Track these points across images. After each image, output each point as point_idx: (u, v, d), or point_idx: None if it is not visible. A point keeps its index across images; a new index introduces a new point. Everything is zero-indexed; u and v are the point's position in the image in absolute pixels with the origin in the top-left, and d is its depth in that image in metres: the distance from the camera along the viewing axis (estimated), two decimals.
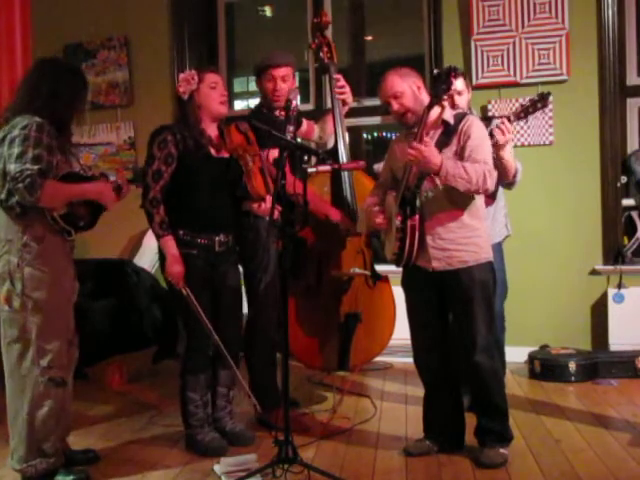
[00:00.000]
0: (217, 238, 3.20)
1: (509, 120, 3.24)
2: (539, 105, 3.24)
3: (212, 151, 3.21)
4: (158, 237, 3.12)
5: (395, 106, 3.03)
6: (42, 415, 2.83)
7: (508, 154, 3.33)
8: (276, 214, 2.94)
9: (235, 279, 3.35)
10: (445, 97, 2.93)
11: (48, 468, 2.86)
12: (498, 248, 3.60)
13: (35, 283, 2.79)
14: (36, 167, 2.69)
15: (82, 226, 2.93)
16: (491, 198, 3.51)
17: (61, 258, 2.88)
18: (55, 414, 2.86)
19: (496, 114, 3.55)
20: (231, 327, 3.30)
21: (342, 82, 3.88)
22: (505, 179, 3.42)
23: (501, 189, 3.57)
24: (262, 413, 3.34)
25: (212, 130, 3.23)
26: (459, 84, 3.47)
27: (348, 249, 3.88)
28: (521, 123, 3.32)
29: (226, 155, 3.24)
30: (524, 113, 3.26)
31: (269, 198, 3.15)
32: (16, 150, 2.71)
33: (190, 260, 3.13)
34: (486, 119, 3.58)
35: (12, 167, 2.69)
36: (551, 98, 4.57)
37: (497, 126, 3.24)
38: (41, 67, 2.97)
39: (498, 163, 3.31)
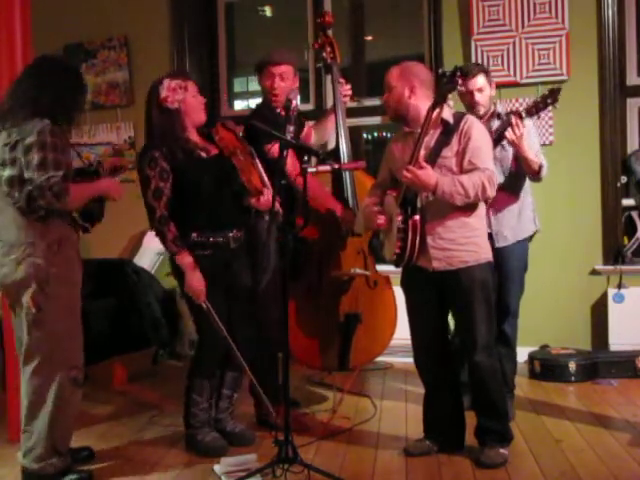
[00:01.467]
0: (231, 234, 3.17)
1: (520, 117, 3.24)
2: (549, 101, 3.22)
3: (202, 154, 3.19)
4: (173, 254, 3.08)
5: (384, 96, 3.11)
6: (64, 415, 2.85)
7: (526, 150, 3.32)
8: (277, 206, 2.93)
9: (248, 278, 3.31)
10: (450, 97, 2.94)
11: (63, 466, 2.89)
12: (523, 245, 3.58)
13: (60, 283, 2.80)
14: (60, 173, 2.70)
15: (96, 219, 2.96)
16: (515, 196, 3.51)
17: (76, 257, 2.90)
18: (74, 414, 2.90)
19: (502, 110, 3.53)
20: (245, 328, 3.27)
21: (347, 86, 3.89)
22: (529, 174, 3.42)
23: (528, 183, 3.56)
24: (275, 418, 3.20)
25: (193, 136, 3.21)
26: (480, 81, 3.46)
27: (348, 249, 3.87)
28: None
29: (216, 151, 3.21)
30: (535, 109, 3.25)
31: (267, 191, 3.15)
32: (36, 157, 2.69)
33: (202, 262, 3.10)
34: (497, 116, 3.55)
35: (35, 175, 2.68)
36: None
37: (509, 123, 3.24)
38: (42, 65, 2.94)
39: (520, 159, 3.34)
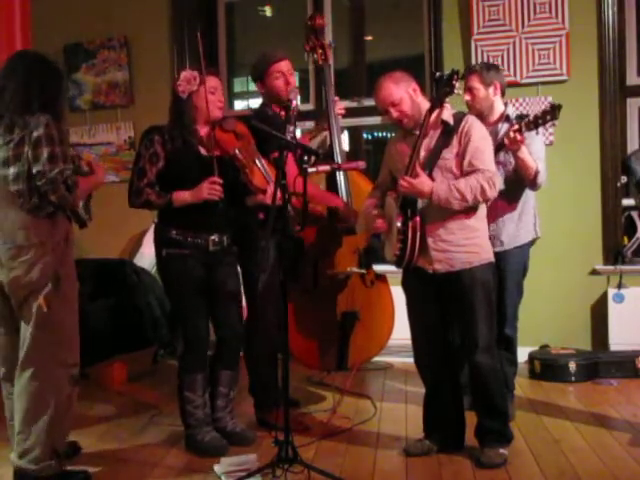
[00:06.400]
0: (211, 238, 3.18)
1: (520, 132, 3.22)
2: (548, 117, 3.22)
3: (202, 150, 3.21)
4: (168, 203, 3.10)
5: (395, 114, 3.03)
6: (64, 416, 2.84)
7: (524, 154, 3.30)
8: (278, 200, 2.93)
9: (233, 281, 3.33)
10: (447, 100, 2.93)
11: (60, 467, 2.88)
12: (523, 251, 3.57)
13: (68, 282, 2.82)
14: (70, 166, 2.72)
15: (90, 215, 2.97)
16: (514, 203, 3.49)
17: (73, 254, 2.91)
18: (71, 413, 2.89)
19: (512, 113, 3.52)
20: (230, 329, 3.30)
21: (340, 104, 3.92)
22: (526, 179, 3.39)
23: (529, 190, 3.54)
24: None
25: (203, 131, 3.23)
26: (471, 81, 3.48)
27: (344, 248, 3.88)
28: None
29: (217, 153, 3.21)
30: (534, 125, 3.24)
31: (271, 185, 3.14)
32: (45, 150, 2.68)
33: (183, 261, 3.13)
34: (507, 119, 3.53)
35: (47, 168, 2.66)
36: (551, 98, 4.60)
37: (507, 135, 3.23)
38: (26, 63, 2.88)
39: (517, 163, 3.33)
